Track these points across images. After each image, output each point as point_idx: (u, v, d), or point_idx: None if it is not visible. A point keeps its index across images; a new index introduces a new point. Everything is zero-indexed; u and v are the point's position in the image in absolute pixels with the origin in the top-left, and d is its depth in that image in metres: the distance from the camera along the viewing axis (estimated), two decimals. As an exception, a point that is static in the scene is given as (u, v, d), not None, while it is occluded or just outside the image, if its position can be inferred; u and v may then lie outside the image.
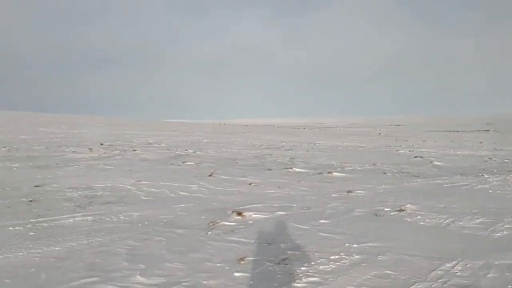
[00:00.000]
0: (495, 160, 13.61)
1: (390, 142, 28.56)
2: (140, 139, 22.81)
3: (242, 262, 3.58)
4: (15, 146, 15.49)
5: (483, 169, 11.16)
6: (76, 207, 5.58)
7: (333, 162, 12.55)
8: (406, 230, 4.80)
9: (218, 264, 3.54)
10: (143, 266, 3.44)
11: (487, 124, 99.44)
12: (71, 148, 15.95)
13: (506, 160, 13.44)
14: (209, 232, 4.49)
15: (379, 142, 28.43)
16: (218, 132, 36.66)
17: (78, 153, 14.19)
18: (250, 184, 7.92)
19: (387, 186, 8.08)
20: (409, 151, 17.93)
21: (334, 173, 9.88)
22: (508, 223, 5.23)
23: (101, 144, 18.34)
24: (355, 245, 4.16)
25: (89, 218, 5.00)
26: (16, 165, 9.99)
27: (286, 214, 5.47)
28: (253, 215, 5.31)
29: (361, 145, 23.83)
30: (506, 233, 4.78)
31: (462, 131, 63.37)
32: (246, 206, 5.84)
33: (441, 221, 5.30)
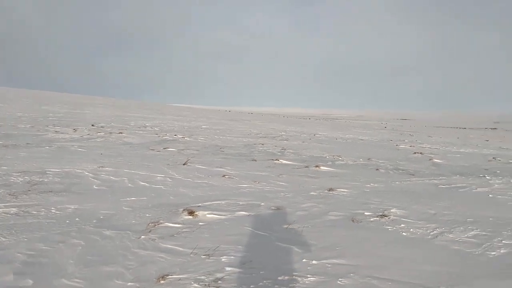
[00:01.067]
0: (499, 160, 12.68)
1: (393, 136, 27.60)
2: (138, 122, 22.15)
3: (161, 282, 2.83)
4: (1, 123, 14.91)
5: (486, 169, 10.27)
6: (8, 195, 4.85)
7: (325, 155, 11.75)
8: (383, 243, 4.00)
9: (129, 283, 2.79)
10: (30, 282, 2.70)
11: (494, 122, 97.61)
12: (57, 127, 15.33)
13: (511, 161, 12.51)
14: (142, 236, 3.73)
15: (382, 135, 27.47)
16: (222, 119, 35.87)
17: (60, 133, 13.55)
18: (224, 176, 7.15)
19: (375, 185, 7.27)
20: (410, 146, 17.01)
21: (321, 167, 9.08)
22: (507, 237, 4.41)
23: (92, 125, 17.68)
24: (314, 262, 3.38)
25: (13, 210, 4.27)
26: (-17, 143, 9.32)
27: (248, 215, 4.70)
28: (207, 215, 4.54)
29: (362, 138, 22.93)
30: (504, 251, 3.96)
31: (469, 128, 61.97)
32: (205, 203, 5.08)
33: (428, 231, 4.50)
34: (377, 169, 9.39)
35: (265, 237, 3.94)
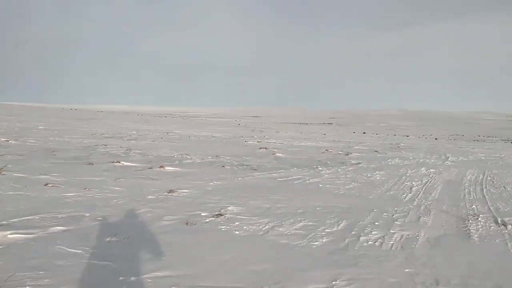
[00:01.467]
0: (331, 151, 14.22)
1: (245, 132, 28.79)
2: None
3: None
4: None
5: (319, 161, 11.35)
6: None
7: (174, 154, 11.38)
8: (213, 246, 3.85)
9: None
10: None
11: (330, 118, 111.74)
12: None
13: (340, 152, 14.16)
14: None
15: (236, 132, 28.41)
16: (65, 118, 32.14)
17: None
18: (47, 184, 6.17)
19: (219, 182, 7.23)
20: (257, 142, 17.88)
21: (166, 168, 8.69)
22: (330, 225, 4.76)
23: None
24: (132, 279, 3.00)
25: None
26: None
27: (65, 231, 4.03)
28: (9, 236, 3.73)
29: (215, 135, 23.27)
30: (326, 240, 4.22)
31: (310, 124, 69.23)
32: (11, 220, 4.20)
33: (261, 227, 4.55)
34: (223, 166, 9.45)
35: (79, 256, 3.38)
